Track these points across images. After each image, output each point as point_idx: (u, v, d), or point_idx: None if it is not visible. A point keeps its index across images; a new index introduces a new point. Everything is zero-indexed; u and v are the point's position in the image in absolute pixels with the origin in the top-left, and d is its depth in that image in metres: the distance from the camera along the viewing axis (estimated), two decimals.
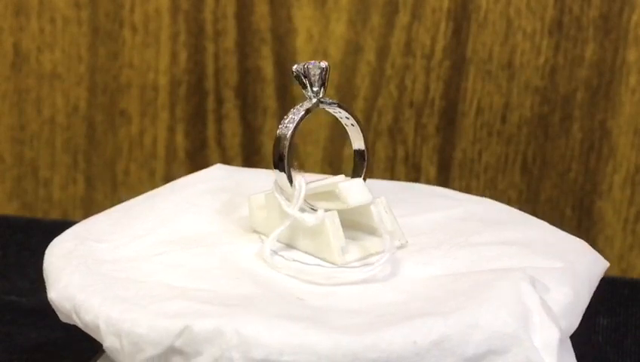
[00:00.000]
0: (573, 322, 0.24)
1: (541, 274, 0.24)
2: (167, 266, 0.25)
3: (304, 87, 0.27)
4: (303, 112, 0.27)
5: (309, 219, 0.26)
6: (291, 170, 0.26)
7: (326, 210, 0.26)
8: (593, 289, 0.26)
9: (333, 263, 0.25)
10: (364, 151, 0.27)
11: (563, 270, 0.25)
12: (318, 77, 0.26)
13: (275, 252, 0.26)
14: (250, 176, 0.32)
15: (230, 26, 0.47)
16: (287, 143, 0.26)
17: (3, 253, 0.45)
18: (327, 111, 0.27)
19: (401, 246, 0.26)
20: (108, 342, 0.23)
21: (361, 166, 0.27)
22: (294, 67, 0.26)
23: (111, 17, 0.47)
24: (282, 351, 0.21)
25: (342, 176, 0.28)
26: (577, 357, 0.26)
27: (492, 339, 0.21)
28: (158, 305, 0.23)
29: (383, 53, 0.46)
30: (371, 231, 0.27)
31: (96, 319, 0.23)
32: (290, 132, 0.26)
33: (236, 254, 0.26)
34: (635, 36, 0.45)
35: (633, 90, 0.45)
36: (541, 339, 0.22)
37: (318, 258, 0.26)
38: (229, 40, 0.47)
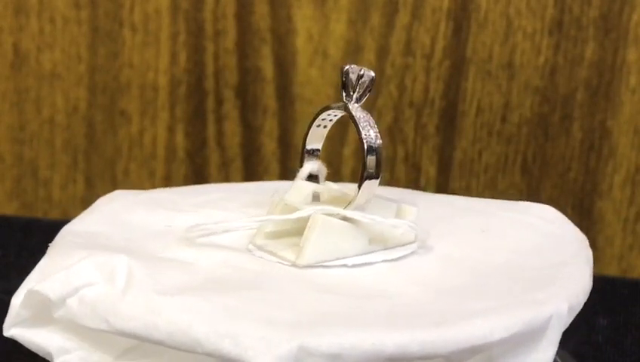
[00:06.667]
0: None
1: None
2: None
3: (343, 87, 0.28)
4: (319, 110, 0.28)
5: (271, 200, 0.28)
6: (313, 164, 0.29)
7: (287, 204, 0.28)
8: None
9: None
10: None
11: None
12: (352, 82, 0.27)
13: None
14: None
15: (230, 25, 0.47)
16: (305, 137, 0.29)
17: (3, 253, 0.45)
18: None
19: (290, 265, 0.27)
20: None
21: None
22: (347, 67, 0.27)
23: (111, 17, 0.47)
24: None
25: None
26: (577, 357, 0.27)
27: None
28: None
29: (383, 53, 0.46)
30: None
31: None
32: (308, 126, 0.28)
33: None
34: (635, 36, 0.45)
35: (633, 90, 0.45)
36: None
37: None
38: (229, 40, 0.47)
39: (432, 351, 0.22)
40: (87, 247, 0.26)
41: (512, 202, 0.32)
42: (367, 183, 0.26)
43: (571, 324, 0.27)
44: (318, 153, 0.29)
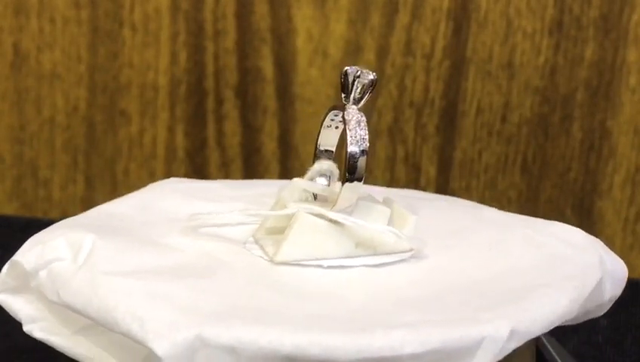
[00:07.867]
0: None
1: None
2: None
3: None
4: (327, 110, 0.28)
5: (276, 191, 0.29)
6: (323, 164, 0.29)
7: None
8: None
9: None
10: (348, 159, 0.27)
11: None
12: (350, 83, 0.27)
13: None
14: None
15: (230, 25, 0.47)
16: (317, 137, 0.29)
17: (3, 252, 0.45)
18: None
19: (269, 260, 0.27)
20: None
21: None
22: (346, 68, 0.27)
23: (111, 17, 0.47)
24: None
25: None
26: (577, 357, 0.26)
27: None
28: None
29: (383, 53, 0.46)
30: None
31: None
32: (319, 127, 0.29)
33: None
34: (635, 36, 0.45)
35: (633, 90, 0.45)
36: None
37: None
38: (229, 40, 0.47)
39: (333, 357, 0.22)
40: (84, 226, 0.27)
41: (540, 220, 0.31)
42: (347, 186, 0.26)
43: (571, 324, 0.26)
44: (331, 154, 0.29)
